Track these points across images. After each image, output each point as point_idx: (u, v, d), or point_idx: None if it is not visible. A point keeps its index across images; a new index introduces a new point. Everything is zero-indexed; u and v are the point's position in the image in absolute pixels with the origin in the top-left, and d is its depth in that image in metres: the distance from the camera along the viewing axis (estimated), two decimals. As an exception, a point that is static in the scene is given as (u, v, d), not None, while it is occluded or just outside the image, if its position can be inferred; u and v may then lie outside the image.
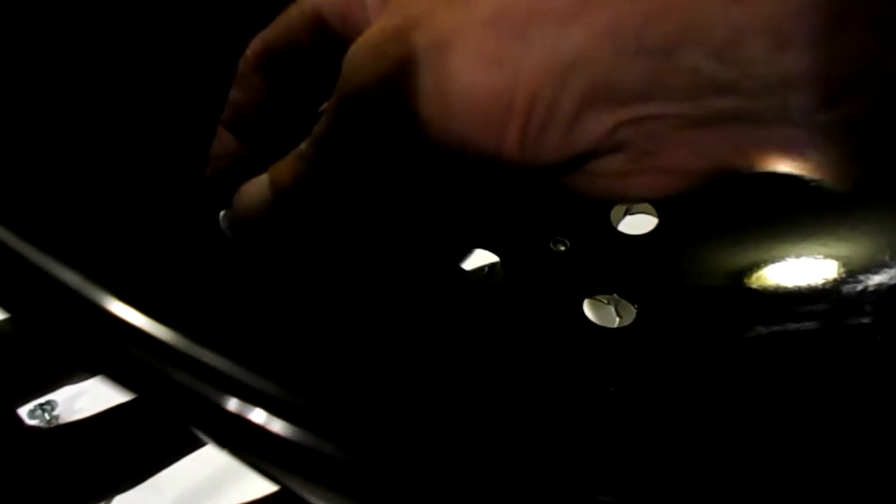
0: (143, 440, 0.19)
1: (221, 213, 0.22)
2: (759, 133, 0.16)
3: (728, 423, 0.20)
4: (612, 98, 0.16)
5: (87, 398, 0.21)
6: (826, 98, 0.15)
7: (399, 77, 0.17)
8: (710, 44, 0.15)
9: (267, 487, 0.22)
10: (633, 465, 0.20)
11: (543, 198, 0.25)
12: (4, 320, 0.19)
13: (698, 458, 0.20)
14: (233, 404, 0.09)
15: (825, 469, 0.18)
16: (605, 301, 0.23)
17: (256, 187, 0.21)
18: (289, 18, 0.21)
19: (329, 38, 0.20)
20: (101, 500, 0.18)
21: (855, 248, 0.20)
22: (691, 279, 0.23)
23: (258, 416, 0.09)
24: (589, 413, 0.21)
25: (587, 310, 0.23)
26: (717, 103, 0.16)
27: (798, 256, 0.21)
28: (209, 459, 0.36)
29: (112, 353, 0.10)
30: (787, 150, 0.17)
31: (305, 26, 0.21)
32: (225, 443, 0.10)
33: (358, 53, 0.18)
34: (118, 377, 0.10)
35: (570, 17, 0.16)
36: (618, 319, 0.23)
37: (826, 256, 0.21)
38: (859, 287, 0.19)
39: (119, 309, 0.09)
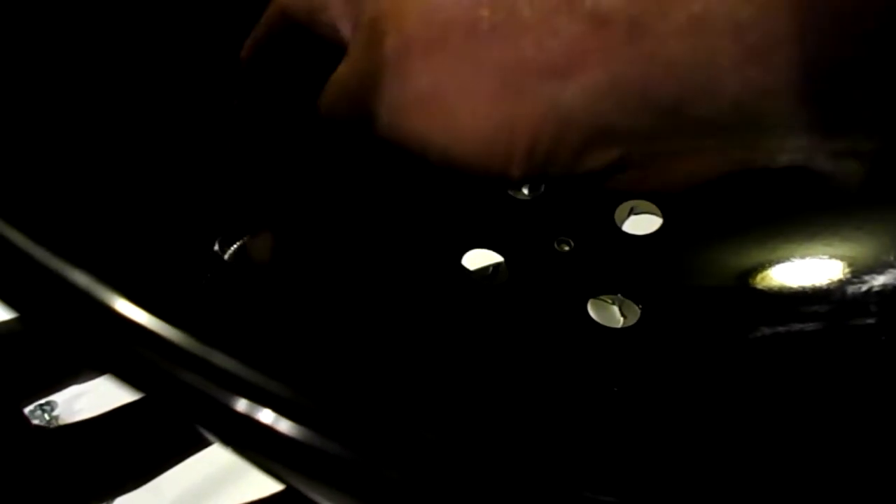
0: (148, 440, 0.19)
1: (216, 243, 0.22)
2: (769, 155, 0.16)
3: (732, 424, 0.20)
4: (617, 139, 0.16)
5: (87, 399, 0.21)
6: (845, 140, 0.15)
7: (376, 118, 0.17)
8: (723, 100, 0.14)
9: (267, 488, 0.22)
10: (637, 466, 0.20)
11: (547, 197, 0.25)
12: (10, 320, 0.19)
13: (702, 458, 0.20)
14: (241, 405, 0.09)
15: (829, 470, 0.18)
16: (610, 301, 0.23)
17: None
18: (266, 16, 0.22)
19: (299, 28, 0.21)
20: (104, 501, 0.18)
21: (860, 248, 0.20)
22: (696, 279, 0.22)
23: (266, 416, 0.09)
24: (592, 413, 0.21)
25: (591, 310, 0.23)
26: (730, 138, 0.16)
27: (802, 257, 0.21)
28: (209, 460, 0.36)
29: (120, 353, 0.10)
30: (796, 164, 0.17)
31: (278, 21, 0.21)
32: (232, 443, 0.10)
33: (329, 94, 0.19)
34: (126, 377, 0.10)
35: (567, 73, 0.15)
36: (622, 319, 0.23)
37: (831, 257, 0.20)
38: (864, 287, 0.19)
39: (127, 309, 0.09)
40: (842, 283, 0.20)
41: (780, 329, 0.20)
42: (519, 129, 0.16)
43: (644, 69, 0.14)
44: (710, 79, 0.14)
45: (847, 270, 0.20)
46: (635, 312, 0.22)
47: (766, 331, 0.20)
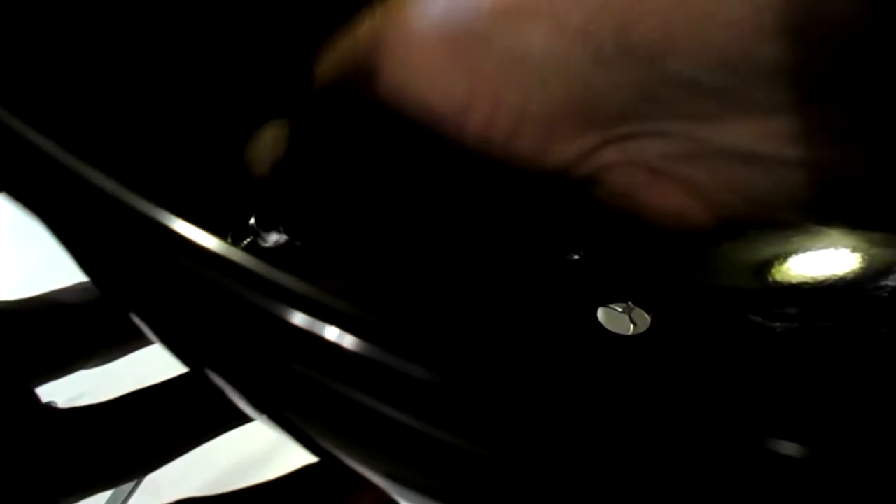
0: (160, 425, 0.18)
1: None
2: (757, 173, 0.15)
3: (743, 430, 0.19)
4: (588, 113, 0.14)
5: (87, 399, 0.21)
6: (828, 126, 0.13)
7: (358, 62, 0.16)
8: (709, 54, 0.13)
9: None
10: (643, 473, 0.19)
11: (558, 205, 0.25)
12: (23, 299, 0.19)
13: (709, 466, 0.19)
14: (304, 321, 0.09)
15: (845, 479, 0.18)
16: (620, 309, 0.23)
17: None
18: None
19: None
20: (117, 482, 0.18)
21: (874, 255, 0.20)
22: (706, 287, 0.22)
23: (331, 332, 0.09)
24: (601, 415, 0.21)
25: (601, 317, 0.23)
26: (710, 134, 0.14)
27: (815, 265, 0.21)
28: (208, 462, 0.36)
29: (183, 276, 0.10)
30: (790, 196, 0.15)
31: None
32: (297, 360, 0.09)
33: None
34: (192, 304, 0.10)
35: (537, 14, 0.14)
36: (632, 327, 0.22)
37: (844, 264, 0.20)
38: (882, 293, 0.19)
39: (188, 229, 0.09)
40: (858, 289, 0.20)
41: (792, 336, 0.20)
42: (481, 80, 0.14)
43: (620, 4, 0.13)
44: (696, 22, 0.12)
45: (863, 276, 0.20)
46: (646, 320, 0.22)
47: (777, 338, 0.20)
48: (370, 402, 0.10)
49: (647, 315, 0.22)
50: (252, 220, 0.22)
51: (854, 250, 0.20)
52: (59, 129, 0.11)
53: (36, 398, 0.17)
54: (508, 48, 0.14)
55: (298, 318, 0.09)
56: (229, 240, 0.22)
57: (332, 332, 0.09)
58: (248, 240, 0.22)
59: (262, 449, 0.32)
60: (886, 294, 0.19)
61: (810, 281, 0.20)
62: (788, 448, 0.08)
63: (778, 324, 0.20)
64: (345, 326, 0.09)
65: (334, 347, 0.09)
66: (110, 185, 0.09)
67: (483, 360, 0.09)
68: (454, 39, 0.14)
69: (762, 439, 0.09)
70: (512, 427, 0.10)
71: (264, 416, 0.14)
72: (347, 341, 0.09)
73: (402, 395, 0.09)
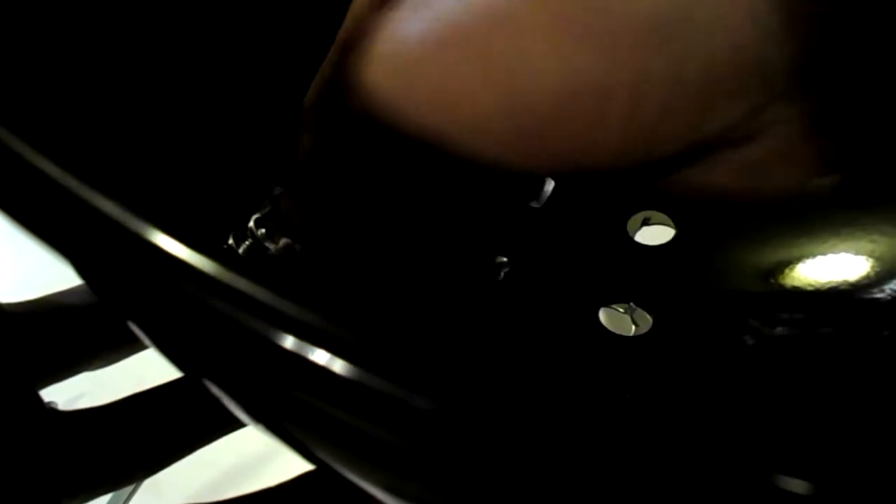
0: (164, 426, 0.18)
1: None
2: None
3: (744, 434, 0.19)
4: (757, 63, 0.12)
5: (87, 400, 0.21)
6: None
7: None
8: None
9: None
10: (643, 476, 0.19)
11: (560, 206, 0.25)
12: (27, 301, 0.19)
13: (709, 469, 0.19)
14: (293, 344, 0.09)
15: (852, 485, 0.18)
16: (622, 310, 0.23)
17: None
18: None
19: None
20: (119, 485, 0.18)
21: (877, 258, 0.20)
22: (708, 290, 0.22)
23: (320, 356, 0.09)
24: (601, 419, 0.20)
25: (603, 318, 0.23)
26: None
27: (815, 266, 0.21)
28: (208, 463, 0.36)
29: (177, 297, 0.09)
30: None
31: None
32: (284, 385, 0.09)
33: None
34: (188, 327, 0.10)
35: None
36: (634, 328, 0.22)
37: (846, 268, 0.20)
38: (882, 297, 0.19)
39: (171, 245, 0.09)
40: (857, 291, 0.20)
41: (793, 339, 0.20)
42: (618, 54, 0.12)
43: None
44: None
45: (864, 280, 0.20)
46: (647, 321, 0.22)
47: (779, 340, 0.20)
48: (362, 425, 0.09)
49: (648, 316, 0.22)
50: (251, 223, 0.22)
51: (857, 253, 0.20)
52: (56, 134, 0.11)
53: (40, 400, 0.18)
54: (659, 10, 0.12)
55: (289, 342, 0.08)
56: (231, 241, 0.22)
57: (321, 357, 0.08)
58: (249, 242, 0.22)
59: (262, 450, 0.32)
60: (889, 297, 0.19)
61: (814, 284, 0.20)
62: (794, 485, 0.08)
63: (779, 328, 0.20)
64: (335, 350, 0.08)
65: (324, 371, 0.08)
66: (97, 200, 0.09)
67: (477, 384, 0.09)
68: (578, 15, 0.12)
69: (765, 470, 0.08)
70: (510, 443, 0.10)
71: (260, 426, 0.13)
72: (337, 366, 0.08)
73: (396, 420, 0.09)
